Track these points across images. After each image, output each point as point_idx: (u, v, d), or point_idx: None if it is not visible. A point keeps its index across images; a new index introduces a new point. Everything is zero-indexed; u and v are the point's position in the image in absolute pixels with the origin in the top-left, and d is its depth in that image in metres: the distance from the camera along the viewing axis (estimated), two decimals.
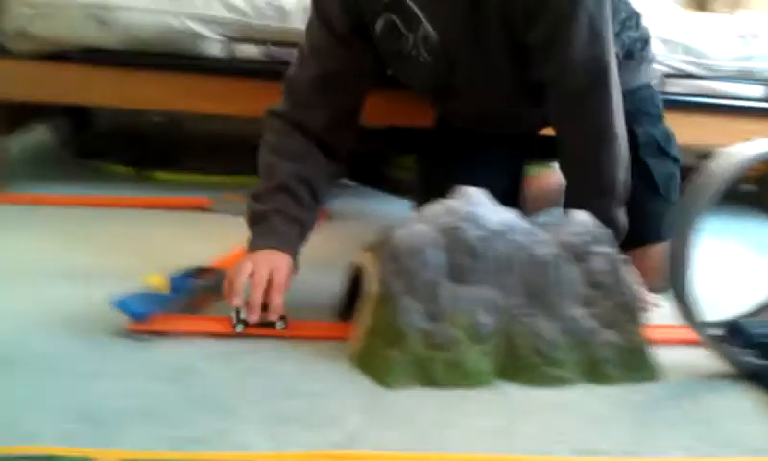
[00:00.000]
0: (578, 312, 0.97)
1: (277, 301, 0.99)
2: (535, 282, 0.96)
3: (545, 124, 1.26)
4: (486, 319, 0.93)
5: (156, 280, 1.01)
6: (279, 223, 1.09)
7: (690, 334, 0.97)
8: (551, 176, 1.42)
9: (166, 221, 1.46)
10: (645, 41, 1.33)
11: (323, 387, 0.87)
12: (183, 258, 1.14)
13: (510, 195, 1.20)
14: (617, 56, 1.19)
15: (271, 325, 0.97)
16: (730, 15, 1.87)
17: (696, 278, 0.92)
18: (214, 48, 1.48)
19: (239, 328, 0.97)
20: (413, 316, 0.91)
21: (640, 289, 1.04)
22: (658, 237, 1.18)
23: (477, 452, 0.77)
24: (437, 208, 0.98)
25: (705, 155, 1.00)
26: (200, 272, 1.08)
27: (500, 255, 0.95)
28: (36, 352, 0.89)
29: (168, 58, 1.49)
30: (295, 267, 1.07)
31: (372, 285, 0.93)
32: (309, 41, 1.18)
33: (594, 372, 0.95)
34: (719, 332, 1.02)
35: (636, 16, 1.31)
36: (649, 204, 1.23)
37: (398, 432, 0.79)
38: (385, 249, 0.95)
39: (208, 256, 1.20)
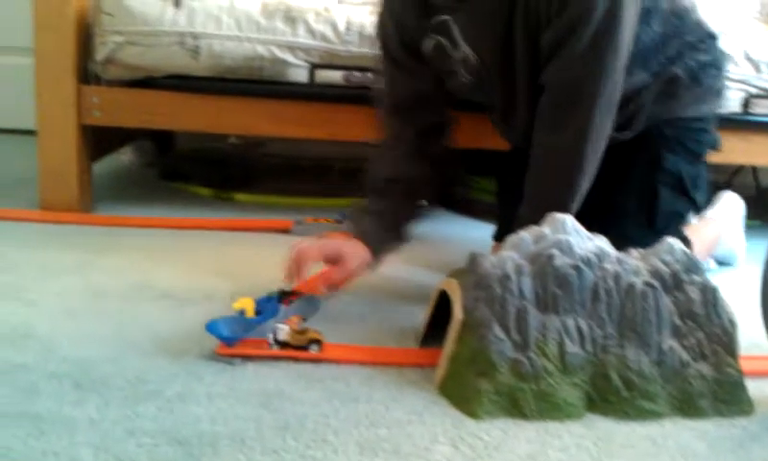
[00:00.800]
0: (670, 343, 0.94)
1: (335, 277, 1.11)
2: (625, 312, 0.94)
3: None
4: (576, 349, 0.91)
5: (245, 305, 1.02)
6: (361, 220, 1.19)
7: None
8: None
9: (249, 243, 1.48)
10: (718, 68, 1.26)
11: (410, 415, 0.87)
12: (268, 281, 1.16)
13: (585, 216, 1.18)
14: (678, 78, 1.18)
15: (306, 348, 0.98)
16: None
17: None
18: (298, 74, 1.50)
19: (275, 348, 0.97)
20: (502, 345, 0.89)
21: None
22: None
23: None
24: (524, 235, 0.97)
25: None
26: (285, 295, 1.10)
27: (590, 284, 0.93)
28: (128, 374, 0.92)
29: (253, 84, 1.52)
30: (374, 257, 1.16)
31: (458, 312, 0.93)
32: (381, 70, 1.26)
33: (687, 405, 0.92)
34: None
35: (710, 39, 1.25)
36: (635, 229, 1.18)
37: None
38: (472, 276, 0.95)
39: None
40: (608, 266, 0.95)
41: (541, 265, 0.93)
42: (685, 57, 1.20)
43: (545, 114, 1.10)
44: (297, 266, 1.10)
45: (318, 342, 0.98)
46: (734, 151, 1.50)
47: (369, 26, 1.48)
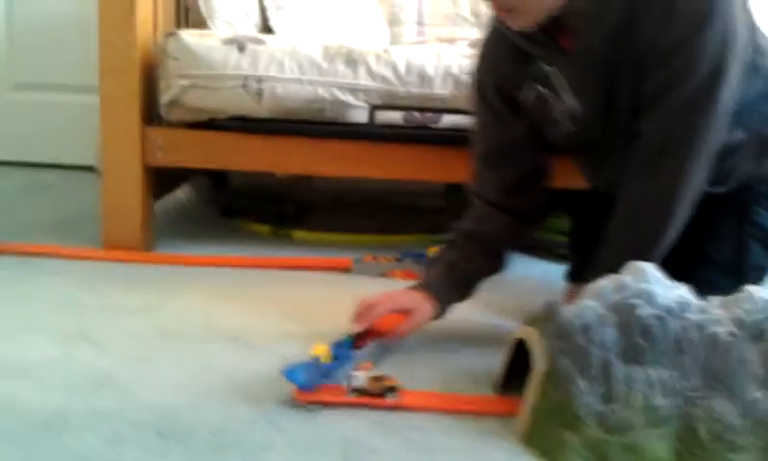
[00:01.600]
0: (756, 394, 0.91)
1: (401, 329, 1.14)
2: (711, 363, 0.92)
3: None
4: (662, 402, 0.89)
5: (320, 351, 1.02)
6: (432, 270, 1.22)
7: None
8: None
9: (310, 282, 1.48)
10: None
11: None
12: (334, 323, 1.17)
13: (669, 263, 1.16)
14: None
15: (383, 395, 0.97)
16: None
17: None
18: (358, 115, 1.51)
19: (352, 396, 0.97)
20: (587, 398, 0.88)
21: None
22: None
23: None
24: (605, 284, 0.96)
25: None
26: (357, 339, 1.10)
27: (673, 335, 0.91)
28: (210, 422, 0.92)
29: (313, 124, 1.53)
30: (439, 308, 1.17)
31: (540, 364, 0.92)
32: (475, 118, 1.27)
33: None
34: None
35: None
36: (723, 280, 1.14)
37: None
38: (551, 324, 0.93)
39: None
40: (690, 316, 0.93)
41: (624, 315, 0.91)
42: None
43: (639, 163, 1.09)
44: (364, 319, 1.13)
45: (394, 389, 0.97)
46: None
47: (428, 67, 1.49)
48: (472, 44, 1.27)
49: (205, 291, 1.39)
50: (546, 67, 1.13)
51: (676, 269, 1.00)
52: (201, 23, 1.68)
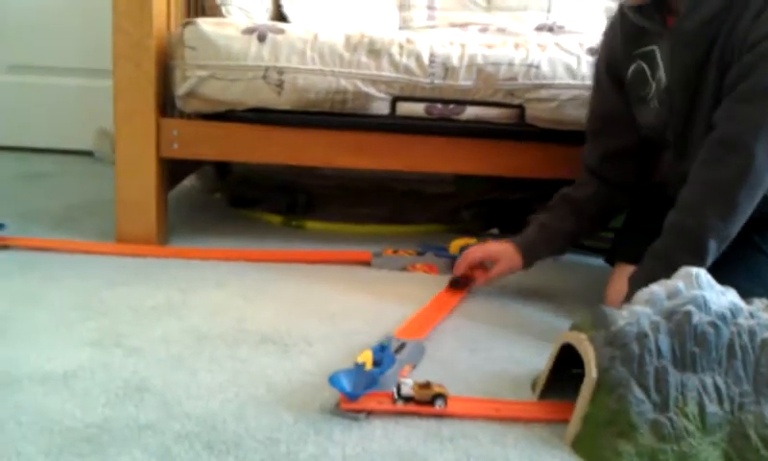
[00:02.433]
0: None
1: (489, 275, 1.36)
2: (761, 369, 0.91)
3: None
4: (715, 409, 0.89)
5: (367, 357, 1.00)
6: (527, 229, 1.37)
7: None
8: None
9: (332, 276, 1.46)
10: None
11: None
12: (363, 322, 1.18)
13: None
14: None
15: (432, 403, 0.95)
16: None
17: None
18: (380, 106, 1.49)
19: (399, 403, 0.95)
20: (642, 406, 0.87)
21: None
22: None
23: None
24: (657, 290, 0.95)
25: None
26: (397, 344, 1.08)
27: (726, 341, 0.91)
28: (257, 433, 0.89)
29: (333, 116, 1.50)
30: (524, 260, 1.33)
31: (592, 371, 0.90)
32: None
33: None
34: None
35: None
36: (762, 264, 1.18)
37: None
38: (602, 330, 0.92)
39: (388, 318, 1.24)
40: (742, 321, 0.93)
41: (678, 322, 0.90)
42: None
43: (708, 149, 1.11)
44: (465, 264, 1.38)
45: (442, 396, 0.96)
46: None
47: (453, 58, 1.47)
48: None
49: (230, 287, 1.36)
50: (653, 46, 1.22)
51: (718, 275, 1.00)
52: (213, 9, 1.63)
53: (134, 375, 1.02)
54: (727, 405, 0.89)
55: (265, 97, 1.46)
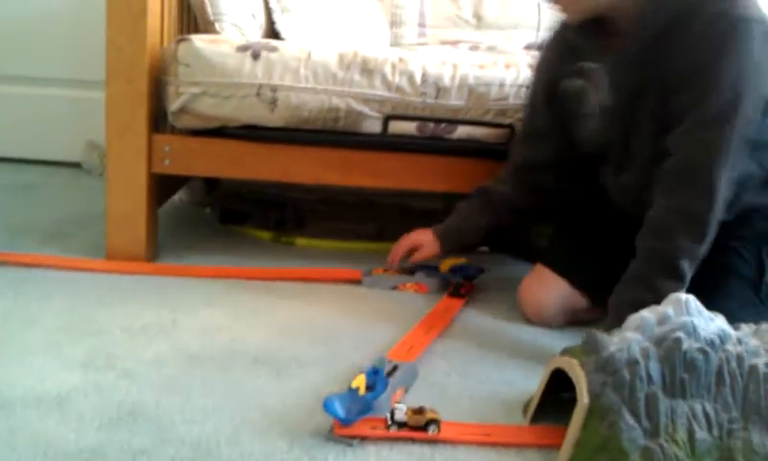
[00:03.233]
0: None
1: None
2: (749, 395, 0.93)
3: None
4: (704, 435, 0.90)
5: (360, 382, 1.01)
6: (449, 216, 1.50)
7: None
8: None
9: (323, 295, 1.46)
10: None
11: None
12: (355, 343, 1.19)
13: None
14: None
15: (425, 429, 0.96)
16: None
17: None
18: (372, 125, 1.49)
19: (393, 429, 0.96)
20: (633, 433, 0.88)
21: None
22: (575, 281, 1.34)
23: None
24: (647, 316, 0.96)
25: None
26: (390, 367, 1.09)
27: (715, 368, 0.92)
28: (252, 458, 0.90)
29: (325, 134, 1.51)
30: (441, 246, 1.48)
31: (584, 397, 0.91)
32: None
33: None
34: None
35: None
36: (737, 287, 1.22)
37: None
38: (593, 356, 0.94)
39: (380, 338, 1.25)
40: (730, 348, 0.94)
41: (668, 349, 0.91)
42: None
43: (665, 179, 1.15)
44: (398, 251, 1.51)
45: (436, 422, 0.96)
46: None
47: (445, 78, 1.48)
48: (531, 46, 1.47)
49: (220, 306, 1.36)
50: (592, 64, 1.25)
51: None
52: (207, 25, 1.63)
53: (127, 398, 1.02)
54: (716, 431, 0.91)
55: (258, 114, 1.47)
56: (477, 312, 1.42)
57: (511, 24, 2.03)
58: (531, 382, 1.07)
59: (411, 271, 1.54)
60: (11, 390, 1.02)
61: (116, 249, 1.54)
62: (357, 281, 1.54)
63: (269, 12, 1.72)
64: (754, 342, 0.97)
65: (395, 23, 2.02)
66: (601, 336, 0.95)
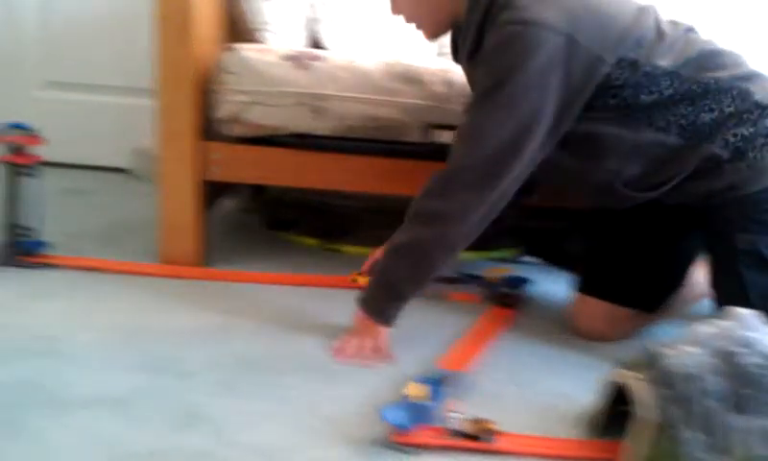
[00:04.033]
0: None
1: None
2: None
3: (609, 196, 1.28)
4: (764, 450, 0.90)
5: (415, 390, 1.02)
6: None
7: None
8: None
9: None
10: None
11: None
12: (407, 351, 1.21)
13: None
14: (716, 154, 1.19)
15: (482, 438, 0.97)
16: None
17: None
18: (414, 133, 1.51)
19: (450, 438, 0.97)
20: (693, 447, 0.88)
21: None
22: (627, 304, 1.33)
23: None
24: (707, 330, 0.96)
25: None
26: (445, 377, 1.10)
27: None
28: None
29: (370, 142, 1.52)
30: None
31: (645, 410, 0.92)
32: None
33: None
34: None
35: (759, 110, 1.19)
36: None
37: None
38: (652, 370, 0.94)
39: (429, 346, 1.27)
40: None
41: (728, 363, 0.92)
42: (725, 132, 1.19)
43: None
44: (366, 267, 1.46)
45: (492, 432, 0.97)
46: None
47: None
48: None
49: (270, 311, 1.38)
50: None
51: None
52: (248, 34, 1.66)
53: (185, 400, 1.05)
54: None
55: (304, 123, 1.49)
56: (526, 322, 1.42)
57: None
58: (587, 393, 1.08)
59: (456, 280, 1.55)
60: (69, 391, 1.05)
61: (168, 253, 1.57)
62: None
63: (312, 20, 1.74)
64: None
65: None
66: (659, 349, 0.95)
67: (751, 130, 1.19)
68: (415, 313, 1.43)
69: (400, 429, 0.96)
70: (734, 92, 1.19)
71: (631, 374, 0.96)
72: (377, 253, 1.42)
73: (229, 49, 1.52)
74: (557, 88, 1.14)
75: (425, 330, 1.35)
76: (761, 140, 1.19)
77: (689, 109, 1.19)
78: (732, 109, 1.19)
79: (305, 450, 0.95)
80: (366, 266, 1.46)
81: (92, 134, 2.37)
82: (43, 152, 1.57)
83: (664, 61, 1.18)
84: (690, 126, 1.19)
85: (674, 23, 1.26)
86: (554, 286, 1.59)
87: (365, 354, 1.21)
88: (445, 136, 1.51)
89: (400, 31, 1.92)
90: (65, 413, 1.00)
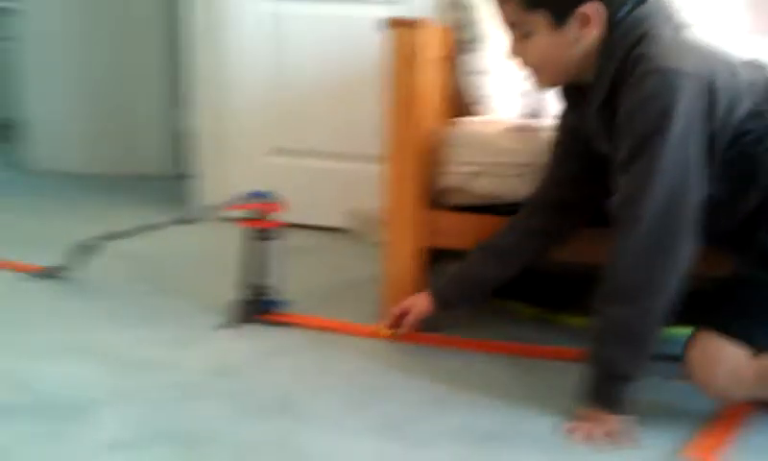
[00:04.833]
0: None
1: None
2: None
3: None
4: None
5: None
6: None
7: None
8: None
9: None
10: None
11: None
12: (653, 430, 1.15)
13: None
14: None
15: None
16: None
17: None
18: None
19: None
20: None
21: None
22: (735, 335, 1.17)
23: None
24: None
25: None
26: None
27: None
28: None
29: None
30: (435, 303, 1.53)
31: None
32: None
33: None
34: None
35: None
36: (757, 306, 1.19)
37: None
38: None
39: (674, 430, 1.20)
40: None
41: None
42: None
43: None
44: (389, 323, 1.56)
45: None
46: None
47: None
48: None
49: (496, 382, 1.37)
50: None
51: None
52: (470, 107, 1.71)
53: None
54: None
55: (524, 191, 1.50)
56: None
57: None
58: None
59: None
60: (305, 449, 1.12)
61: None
62: None
63: (529, 91, 1.76)
64: None
65: None
66: None
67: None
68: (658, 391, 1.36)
69: None
70: None
71: None
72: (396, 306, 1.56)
73: (455, 123, 1.57)
74: (701, 132, 1.15)
75: (670, 413, 1.28)
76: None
77: None
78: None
79: None
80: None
81: (314, 196, 2.52)
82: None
83: None
84: None
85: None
86: None
87: (597, 441, 1.18)
88: None
89: None
90: None
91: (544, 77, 1.29)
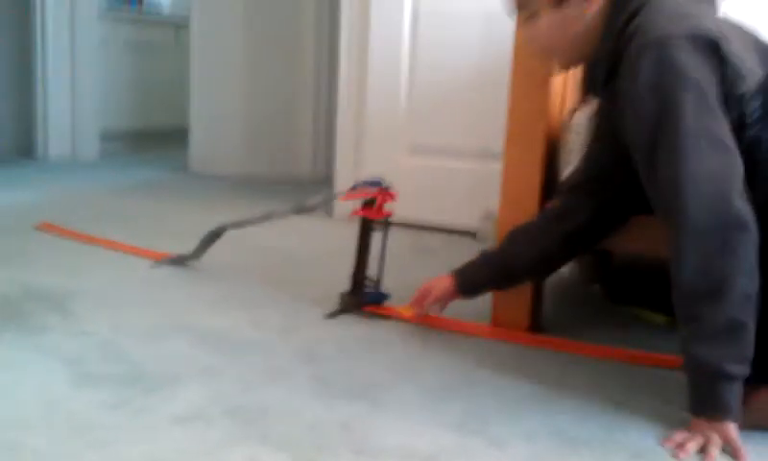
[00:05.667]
0: None
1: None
2: None
3: None
4: None
5: None
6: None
7: None
8: None
9: None
10: None
11: None
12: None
13: None
14: None
15: None
16: None
17: None
18: None
19: None
20: None
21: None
22: None
23: None
24: None
25: None
26: None
27: None
28: None
29: None
30: (457, 284, 1.45)
31: None
32: None
33: None
34: None
35: None
36: None
37: None
38: None
39: None
40: None
41: None
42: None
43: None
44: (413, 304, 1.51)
45: None
46: None
47: None
48: None
49: (598, 386, 1.26)
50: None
51: None
52: None
53: None
54: None
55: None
56: None
57: None
58: None
59: None
60: (382, 439, 1.05)
61: (501, 316, 1.53)
62: None
63: None
64: None
65: None
66: None
67: None
68: None
69: None
70: None
71: None
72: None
73: (576, 109, 1.45)
74: (716, 95, 1.04)
75: None
76: None
77: None
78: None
79: None
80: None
81: (444, 197, 2.45)
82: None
83: None
84: None
85: None
86: None
87: (713, 452, 1.03)
88: None
89: None
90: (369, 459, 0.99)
91: (558, 58, 1.26)
